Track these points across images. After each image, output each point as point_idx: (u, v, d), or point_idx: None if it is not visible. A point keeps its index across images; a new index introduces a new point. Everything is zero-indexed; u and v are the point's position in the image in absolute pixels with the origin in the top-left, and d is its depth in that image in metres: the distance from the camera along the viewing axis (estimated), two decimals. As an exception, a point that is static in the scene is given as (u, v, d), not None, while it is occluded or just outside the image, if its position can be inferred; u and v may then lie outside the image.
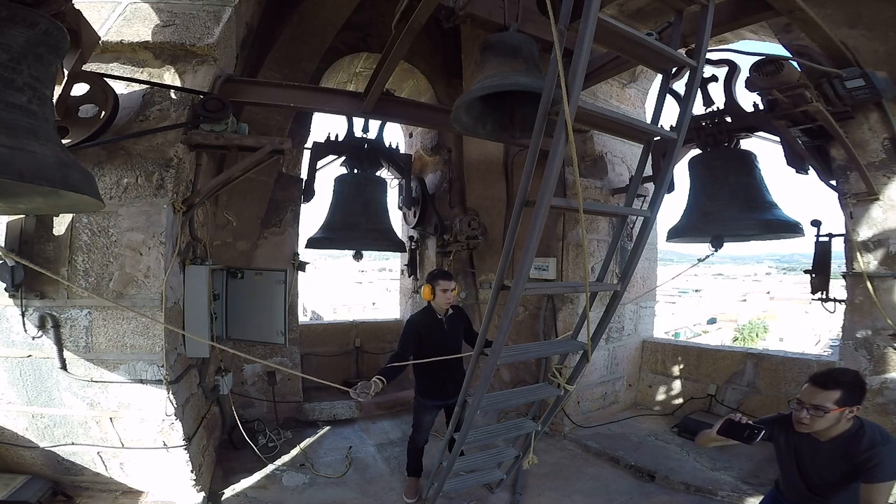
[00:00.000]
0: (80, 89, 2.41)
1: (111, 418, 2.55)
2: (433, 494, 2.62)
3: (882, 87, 2.46)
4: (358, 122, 3.84)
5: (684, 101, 1.93)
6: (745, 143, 3.20)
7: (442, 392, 2.93)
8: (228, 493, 2.95)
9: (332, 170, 4.07)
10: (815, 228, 3.01)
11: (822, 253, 3.02)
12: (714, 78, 3.12)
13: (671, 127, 2.02)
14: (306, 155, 3.96)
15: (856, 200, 2.75)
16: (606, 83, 4.20)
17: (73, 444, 2.60)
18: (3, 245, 2.35)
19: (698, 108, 3.17)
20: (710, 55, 2.60)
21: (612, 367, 4.36)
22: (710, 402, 4.00)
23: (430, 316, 2.94)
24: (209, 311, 2.85)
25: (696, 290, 47.09)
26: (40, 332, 2.42)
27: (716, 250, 3.14)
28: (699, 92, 2.79)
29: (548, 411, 2.60)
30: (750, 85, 2.50)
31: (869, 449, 1.56)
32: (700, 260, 3.36)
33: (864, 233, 2.74)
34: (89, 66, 2.41)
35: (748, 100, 3.20)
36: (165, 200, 2.49)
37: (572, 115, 1.51)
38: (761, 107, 2.90)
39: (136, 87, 2.62)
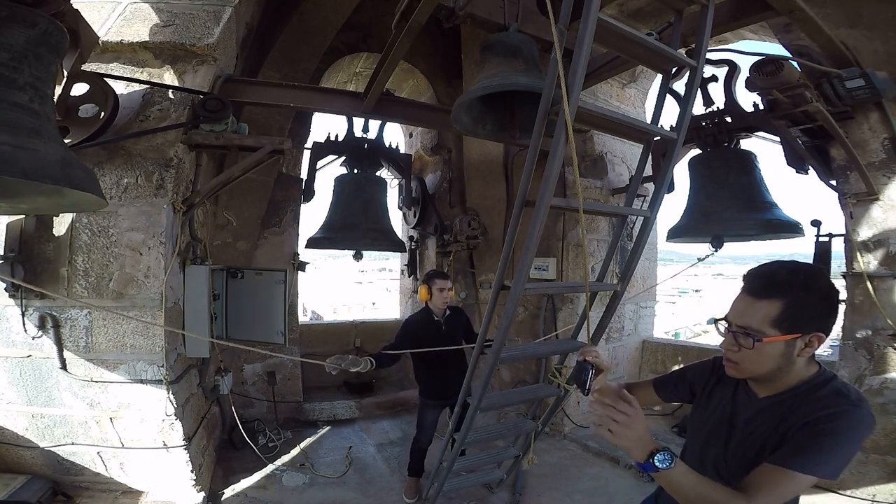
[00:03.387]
0: (80, 89, 2.41)
1: (111, 418, 2.55)
2: (433, 494, 2.62)
3: (882, 87, 2.46)
4: (358, 122, 3.84)
5: (684, 101, 1.93)
6: (745, 143, 3.19)
7: (442, 391, 2.93)
8: (228, 493, 2.95)
9: (332, 170, 4.07)
10: (815, 228, 3.01)
11: (822, 253, 3.02)
12: (714, 78, 3.12)
13: (671, 127, 2.01)
14: (306, 155, 3.96)
15: (856, 200, 2.75)
16: (606, 83, 4.20)
17: (73, 444, 2.60)
18: (2, 245, 2.35)
19: (698, 108, 3.17)
20: (710, 55, 2.60)
21: (613, 367, 4.36)
22: (710, 402, 3.99)
23: (428, 316, 2.94)
24: (209, 311, 2.85)
25: (696, 290, 47.10)
26: (40, 332, 2.42)
27: (716, 250, 3.14)
28: (699, 92, 2.79)
29: (548, 411, 2.60)
30: (750, 85, 2.50)
31: (826, 407, 0.93)
32: (700, 259, 3.36)
33: (864, 233, 2.74)
34: (89, 66, 2.41)
35: (748, 100, 3.20)
36: (165, 200, 2.49)
37: (572, 115, 1.51)
38: (761, 107, 2.90)
39: (136, 87, 2.61)
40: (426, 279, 2.96)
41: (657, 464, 0.94)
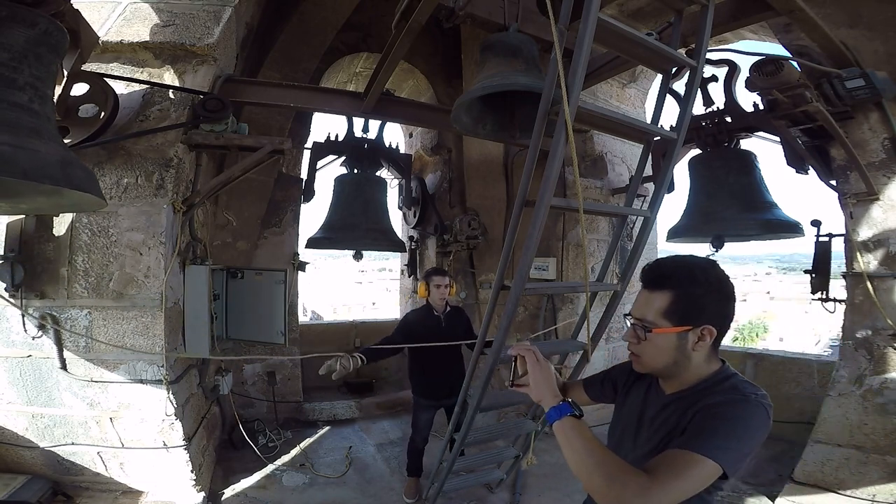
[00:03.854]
0: (80, 89, 2.41)
1: (111, 418, 2.55)
2: (433, 494, 2.62)
3: (882, 87, 2.46)
4: (358, 122, 3.84)
5: (684, 101, 1.92)
6: (745, 143, 3.19)
7: (436, 391, 2.93)
8: (228, 493, 2.95)
9: (332, 170, 4.07)
10: (815, 228, 3.01)
11: (822, 253, 3.02)
12: (714, 78, 3.12)
13: (671, 127, 2.01)
14: (306, 155, 3.96)
15: (856, 200, 2.75)
16: (606, 83, 4.20)
17: (73, 444, 2.60)
18: (2, 245, 2.35)
19: (698, 108, 3.17)
20: (710, 55, 2.60)
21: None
22: (710, 402, 3.99)
23: (428, 313, 2.96)
24: (209, 311, 2.85)
25: (696, 290, 46.97)
26: (40, 332, 2.42)
27: (717, 250, 3.14)
28: (699, 92, 2.79)
29: (548, 411, 2.60)
30: (750, 85, 2.50)
31: (723, 396, 0.94)
32: None
33: (864, 233, 2.74)
34: (89, 66, 2.41)
35: (748, 100, 3.20)
36: (165, 200, 2.49)
37: (572, 115, 1.51)
38: (761, 107, 2.90)
39: (136, 87, 2.61)
40: (424, 276, 3.02)
41: (570, 409, 0.98)
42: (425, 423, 2.99)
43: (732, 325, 1.03)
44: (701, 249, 3.29)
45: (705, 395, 0.96)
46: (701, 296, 0.97)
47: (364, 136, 3.93)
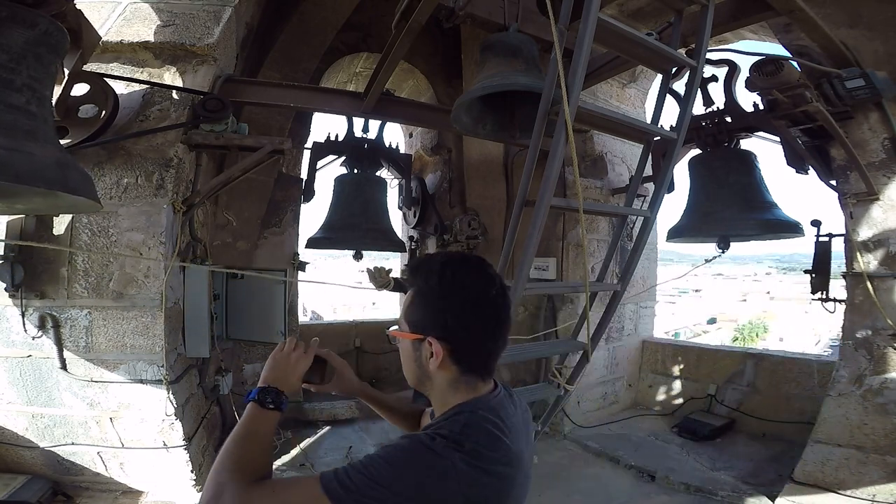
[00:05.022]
0: (80, 89, 2.41)
1: (111, 418, 2.55)
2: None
3: (882, 87, 2.46)
4: (358, 122, 3.84)
5: (684, 101, 1.93)
6: (745, 143, 3.19)
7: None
8: (228, 493, 2.95)
9: (332, 170, 4.07)
10: (815, 228, 3.01)
11: (822, 253, 3.02)
12: (714, 78, 3.12)
13: (671, 127, 2.02)
14: (306, 155, 3.96)
15: (856, 200, 2.75)
16: (606, 83, 4.20)
17: (73, 444, 2.60)
18: (2, 244, 2.35)
19: (698, 108, 3.17)
20: (710, 55, 2.60)
21: (612, 367, 4.35)
22: (710, 402, 3.99)
23: None
24: (209, 310, 2.85)
25: (696, 290, 47.10)
26: (40, 332, 2.42)
27: (722, 252, 3.14)
28: (699, 92, 2.79)
29: (548, 411, 2.60)
30: (750, 85, 2.50)
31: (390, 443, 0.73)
32: (707, 261, 3.36)
33: (864, 233, 2.74)
34: (89, 66, 2.41)
35: (748, 100, 3.20)
36: (165, 200, 2.49)
37: (572, 115, 1.51)
38: (761, 107, 2.90)
39: (136, 87, 2.62)
40: None
41: (256, 395, 0.86)
42: None
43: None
44: (702, 249, 3.30)
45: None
46: (434, 300, 0.79)
47: (364, 136, 3.93)
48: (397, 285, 2.66)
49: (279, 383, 0.91)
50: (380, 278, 2.50)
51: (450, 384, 0.80)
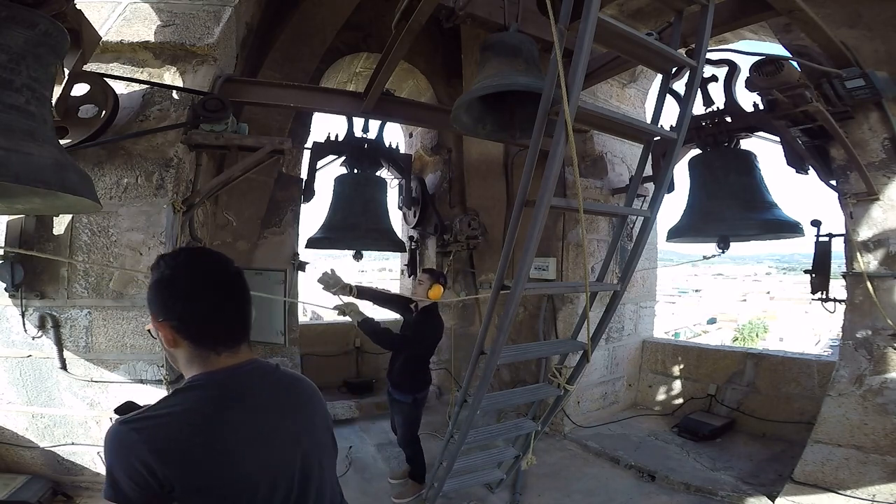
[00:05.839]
0: (80, 89, 2.41)
1: (111, 418, 2.55)
2: (433, 494, 2.62)
3: (882, 87, 2.46)
4: (358, 122, 3.84)
5: (684, 101, 1.93)
6: (745, 143, 3.19)
7: (399, 385, 3.02)
8: (228, 493, 2.95)
9: (332, 170, 4.06)
10: (815, 228, 3.01)
11: (822, 253, 3.02)
12: (714, 78, 3.12)
13: (671, 127, 2.01)
14: (306, 155, 3.96)
15: (856, 200, 2.75)
16: (606, 83, 4.20)
17: (73, 444, 2.59)
18: (2, 244, 2.35)
19: (698, 108, 3.17)
20: (710, 55, 2.60)
21: (612, 367, 4.35)
22: (710, 402, 4.00)
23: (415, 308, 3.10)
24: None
25: (696, 290, 47.13)
26: (40, 332, 2.42)
27: (723, 251, 3.14)
28: (699, 92, 2.79)
29: (548, 411, 2.60)
30: (750, 85, 2.50)
31: None
32: (706, 257, 3.36)
33: (864, 233, 2.74)
34: (89, 66, 2.41)
35: (748, 100, 3.20)
36: (165, 200, 2.49)
37: (572, 115, 1.51)
38: (761, 107, 2.90)
39: (136, 87, 2.61)
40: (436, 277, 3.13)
41: None
42: (394, 422, 3.18)
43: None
44: (702, 249, 3.30)
45: None
46: (159, 289, 0.88)
47: (364, 136, 3.93)
48: (360, 292, 2.72)
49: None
50: (332, 282, 2.54)
51: (187, 360, 0.90)
